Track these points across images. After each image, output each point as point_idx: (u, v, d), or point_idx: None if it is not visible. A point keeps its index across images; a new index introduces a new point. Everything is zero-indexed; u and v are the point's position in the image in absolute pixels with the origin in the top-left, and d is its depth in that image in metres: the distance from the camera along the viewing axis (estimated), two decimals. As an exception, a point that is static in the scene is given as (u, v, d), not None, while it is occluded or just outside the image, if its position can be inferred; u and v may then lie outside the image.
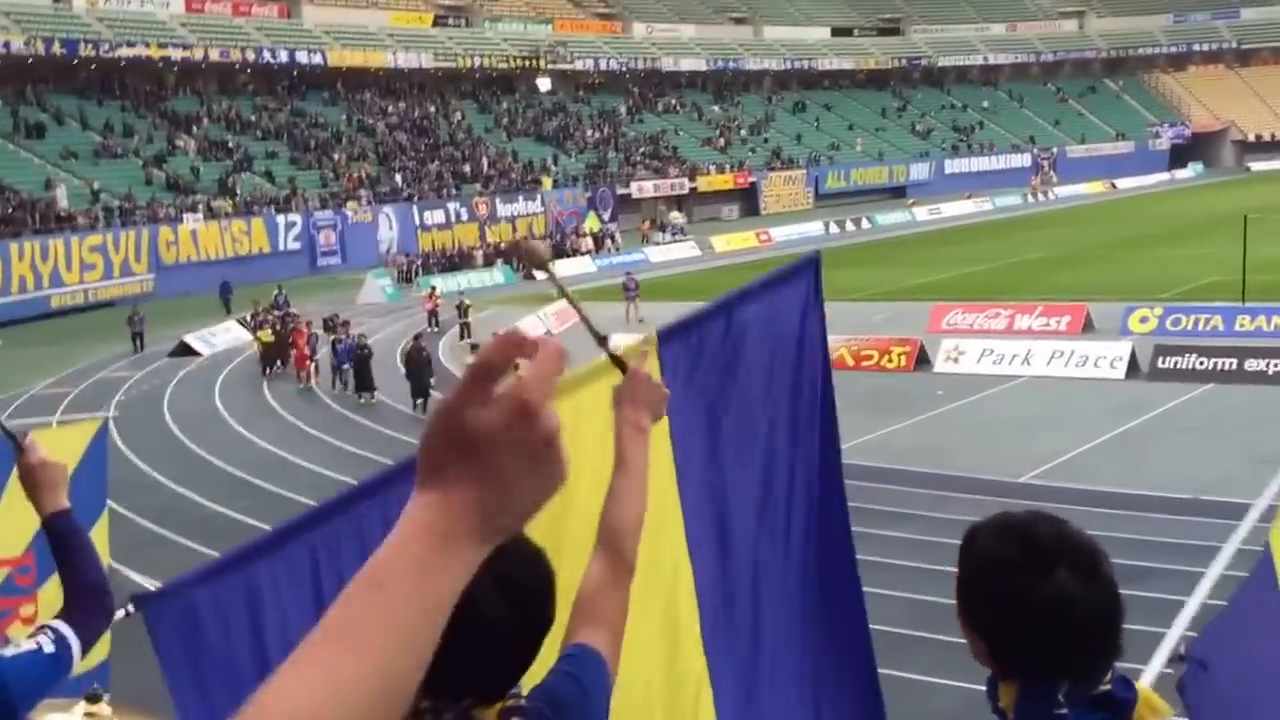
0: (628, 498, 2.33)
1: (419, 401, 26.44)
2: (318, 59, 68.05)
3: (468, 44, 76.20)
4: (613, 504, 2.33)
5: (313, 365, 30.45)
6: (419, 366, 26.67)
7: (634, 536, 2.29)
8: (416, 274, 52.83)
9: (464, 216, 61.55)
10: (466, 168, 66.52)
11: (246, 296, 41.89)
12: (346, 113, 68.31)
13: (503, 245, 58.59)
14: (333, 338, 30.20)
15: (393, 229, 58.56)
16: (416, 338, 28.55)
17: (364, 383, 27.90)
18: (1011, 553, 1.89)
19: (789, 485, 3.50)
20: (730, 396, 3.28)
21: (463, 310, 36.62)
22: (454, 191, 63.23)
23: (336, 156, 63.47)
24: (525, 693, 1.98)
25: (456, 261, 55.64)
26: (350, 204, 58.61)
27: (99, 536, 6.49)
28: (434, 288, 41.81)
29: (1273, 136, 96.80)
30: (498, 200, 63.62)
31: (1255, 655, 3.18)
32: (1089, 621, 1.87)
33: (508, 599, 1.84)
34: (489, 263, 55.67)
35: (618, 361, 2.65)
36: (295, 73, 68.29)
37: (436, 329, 35.32)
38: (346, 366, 28.74)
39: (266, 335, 32.60)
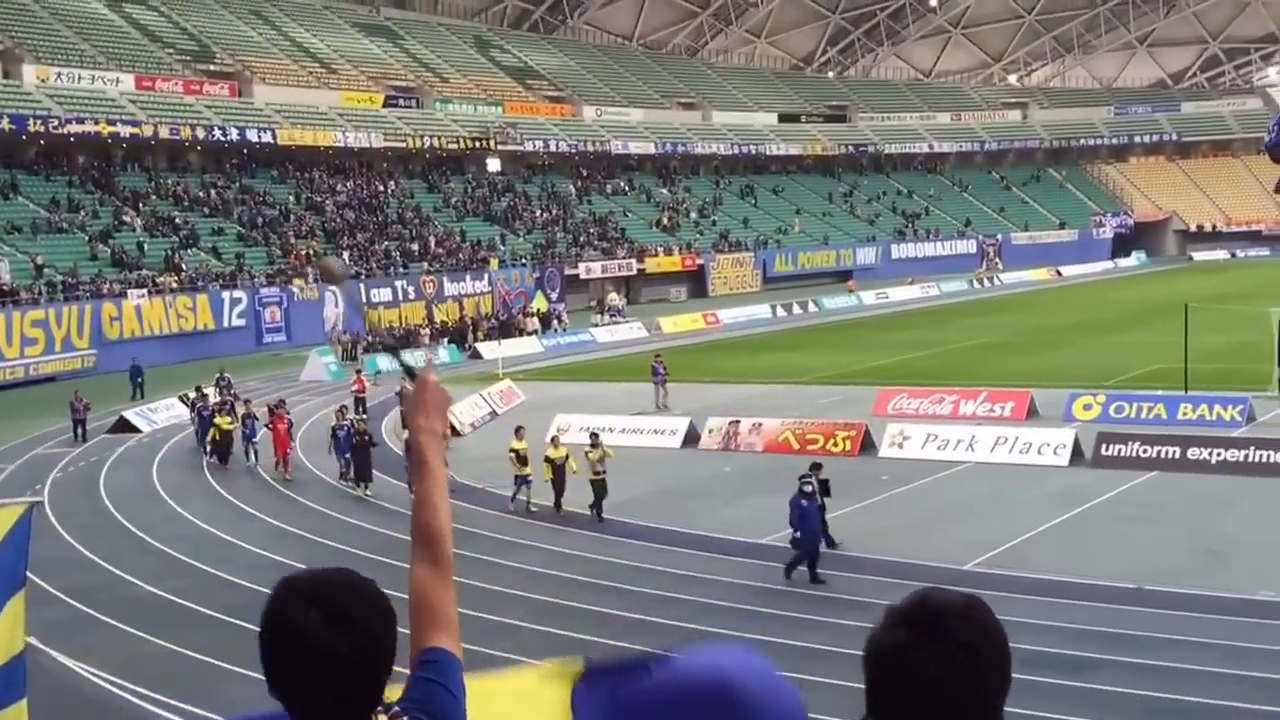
0: (439, 502, 2.48)
1: (362, 484, 25.92)
2: (268, 137, 67.94)
3: (418, 124, 76.44)
4: (425, 509, 2.47)
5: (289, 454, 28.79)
6: (364, 449, 26.19)
7: (449, 537, 2.45)
8: (362, 352, 52.31)
9: (411, 295, 61.28)
10: (414, 246, 66.38)
11: (190, 372, 41.34)
12: (295, 190, 68.15)
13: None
14: (333, 424, 28.44)
15: (338, 306, 58.12)
16: (362, 421, 27.92)
17: (363, 473, 26.16)
18: (892, 606, 1.93)
19: None
20: None
21: (406, 398, 35.46)
22: (401, 270, 63.01)
23: (284, 234, 63.16)
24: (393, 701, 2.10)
25: (403, 340, 55.20)
26: (297, 281, 58.22)
27: (12, 618, 6.13)
28: (359, 371, 40.83)
29: (1214, 227, 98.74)
30: (445, 279, 63.43)
31: None
32: (928, 683, 1.84)
33: (342, 632, 1.98)
34: (434, 340, 55.34)
35: (409, 371, 2.74)
36: (245, 150, 68.14)
37: (364, 414, 32.68)
38: (347, 456, 26.95)
39: (226, 422, 30.25)
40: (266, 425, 29.24)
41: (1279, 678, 13.74)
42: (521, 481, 23.56)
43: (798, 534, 18.35)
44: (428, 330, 57.08)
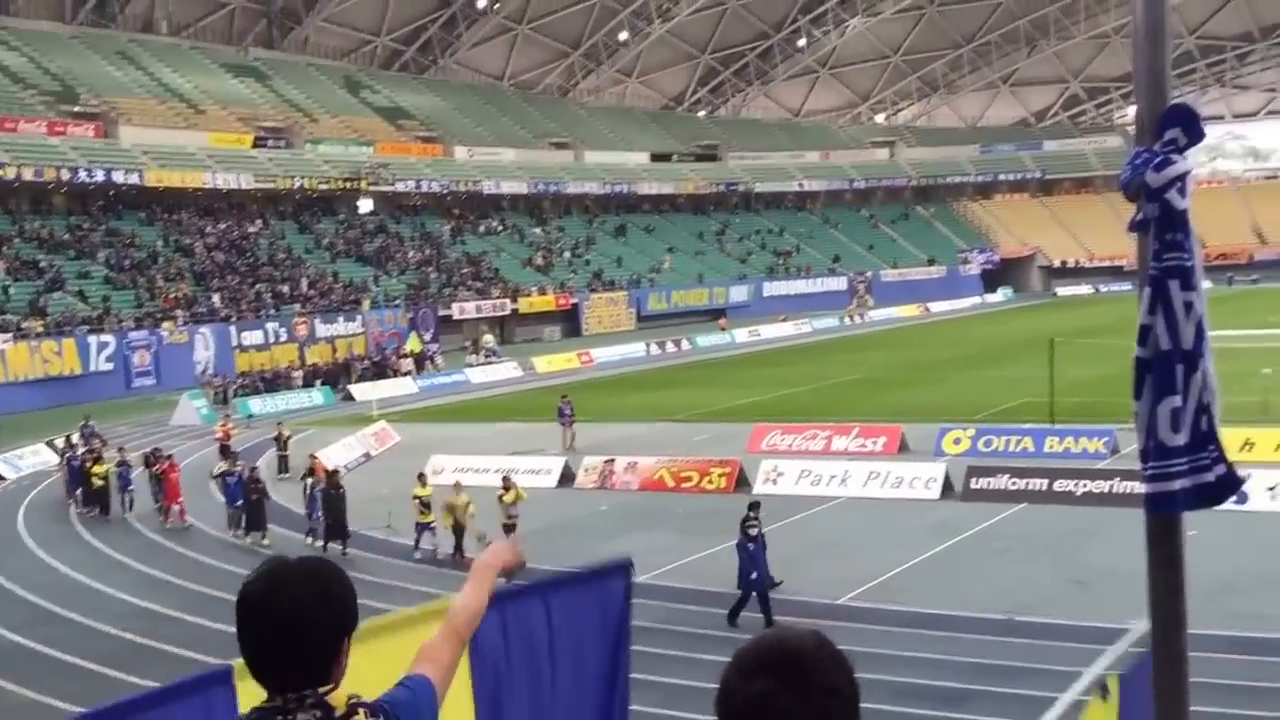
0: (471, 595, 3.04)
1: (255, 534, 24.97)
2: (134, 178, 66.24)
3: (288, 165, 75.26)
4: (465, 596, 3.02)
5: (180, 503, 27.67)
6: (258, 498, 25.28)
7: (467, 616, 2.96)
8: (232, 395, 51.20)
9: (283, 337, 60.13)
10: (286, 288, 65.19)
11: (57, 418, 40.13)
12: (163, 233, 66.49)
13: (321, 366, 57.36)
14: (221, 471, 27.58)
15: (209, 349, 56.89)
16: (253, 469, 27.00)
17: (255, 522, 25.14)
18: (740, 651, 1.93)
19: None
20: (530, 682, 3.57)
21: (281, 441, 33.87)
22: (273, 312, 61.80)
23: (152, 276, 61.58)
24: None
25: (274, 382, 54.17)
26: (166, 324, 56.85)
27: None
28: (226, 417, 39.83)
29: (1076, 263, 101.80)
30: (317, 321, 62.37)
31: None
32: None
33: (326, 604, 2.36)
34: (308, 383, 54.32)
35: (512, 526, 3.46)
36: (111, 192, 66.35)
37: (236, 463, 31.93)
38: (239, 503, 25.89)
39: (101, 470, 29.08)
40: (158, 474, 28.17)
41: (1146, 705, 13.94)
42: (424, 529, 23.08)
43: (753, 575, 18.15)
44: (300, 373, 55.99)
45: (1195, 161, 2.64)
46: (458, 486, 23.58)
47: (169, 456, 29.26)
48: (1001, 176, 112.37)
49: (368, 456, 34.92)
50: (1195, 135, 2.60)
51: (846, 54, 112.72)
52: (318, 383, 54.22)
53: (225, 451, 32.81)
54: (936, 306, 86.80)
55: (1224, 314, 58.06)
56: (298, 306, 63.44)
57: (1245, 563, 19.19)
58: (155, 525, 27.09)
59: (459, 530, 22.61)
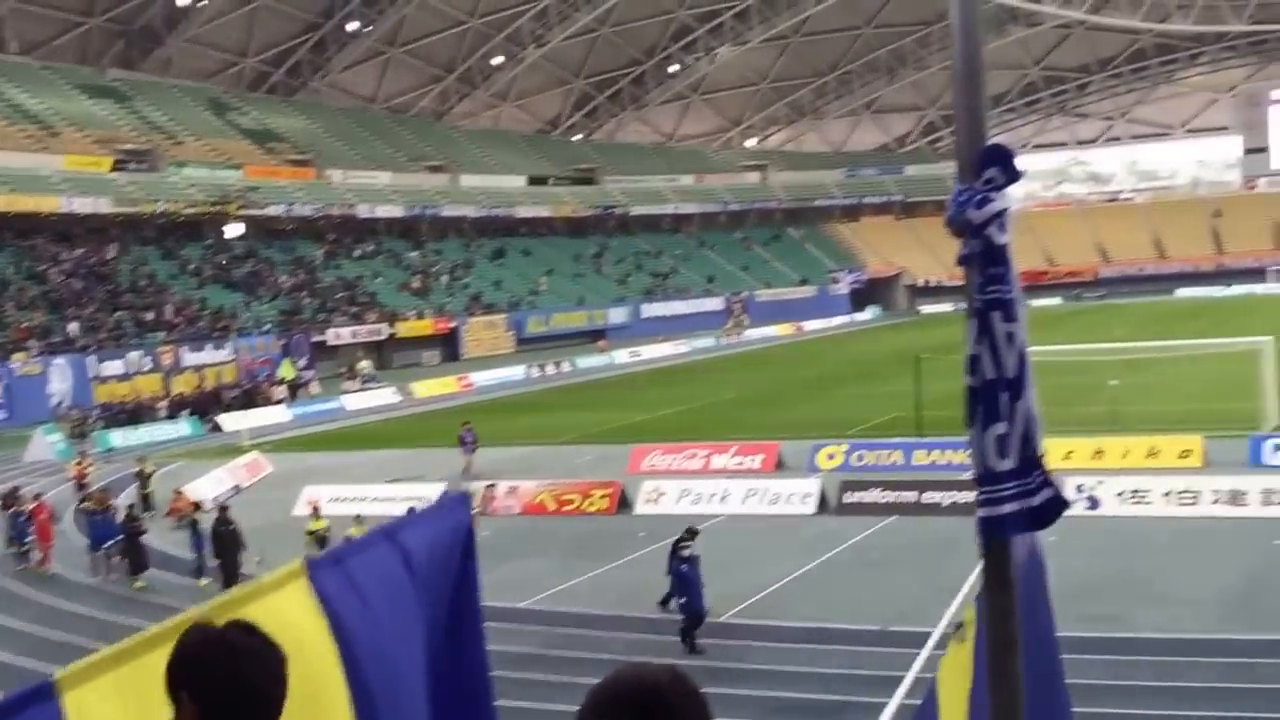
0: None
1: (135, 577, 23.82)
2: (-15, 203, 64.14)
3: (150, 189, 73.49)
4: None
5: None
6: (136, 537, 24.14)
7: None
8: (92, 429, 49.64)
9: (146, 366, 58.57)
10: (149, 315, 63.65)
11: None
12: (15, 259, 64.38)
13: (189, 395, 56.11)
14: (87, 505, 26.01)
15: (65, 381, 54.98)
16: (130, 506, 25.90)
17: (137, 563, 23.90)
18: (597, 691, 1.92)
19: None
20: (385, 626, 3.44)
21: (144, 479, 31.99)
22: (135, 341, 60.25)
23: (2, 305, 59.54)
24: None
25: (136, 414, 52.63)
26: (17, 355, 54.82)
27: None
28: (83, 453, 38.24)
29: (939, 281, 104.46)
30: (184, 349, 60.98)
31: None
32: None
33: (280, 686, 2.27)
34: (174, 415, 53.03)
35: None
36: (-41, 218, 64.10)
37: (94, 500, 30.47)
38: (110, 545, 24.52)
39: None
40: (17, 516, 26.37)
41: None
42: None
43: (683, 600, 18.01)
44: (165, 404, 54.64)
45: (1013, 198, 2.79)
46: (359, 519, 22.68)
47: (37, 495, 28.07)
48: (867, 199, 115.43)
49: (238, 489, 34.20)
50: (1012, 174, 2.67)
51: (717, 80, 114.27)
52: (184, 413, 53.00)
53: (82, 489, 31.10)
54: (809, 325, 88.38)
55: (1073, 329, 60.20)
56: (162, 334, 61.98)
57: (1099, 566, 19.95)
58: (9, 570, 25.70)
59: None
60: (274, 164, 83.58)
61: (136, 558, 23.94)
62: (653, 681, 1.92)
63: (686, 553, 18.42)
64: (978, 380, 2.67)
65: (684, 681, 1.94)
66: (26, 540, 25.91)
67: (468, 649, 3.79)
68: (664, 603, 19.23)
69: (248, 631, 2.35)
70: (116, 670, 2.68)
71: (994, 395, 2.66)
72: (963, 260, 2.67)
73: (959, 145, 2.73)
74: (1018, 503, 2.69)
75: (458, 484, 30.61)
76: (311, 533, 22.63)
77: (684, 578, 18.10)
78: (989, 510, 2.71)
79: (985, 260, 2.63)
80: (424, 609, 3.55)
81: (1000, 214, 2.64)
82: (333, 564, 3.26)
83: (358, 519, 22.77)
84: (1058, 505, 2.71)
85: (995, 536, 2.78)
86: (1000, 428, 2.65)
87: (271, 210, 78.57)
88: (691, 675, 2.01)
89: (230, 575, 22.57)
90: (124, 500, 30.55)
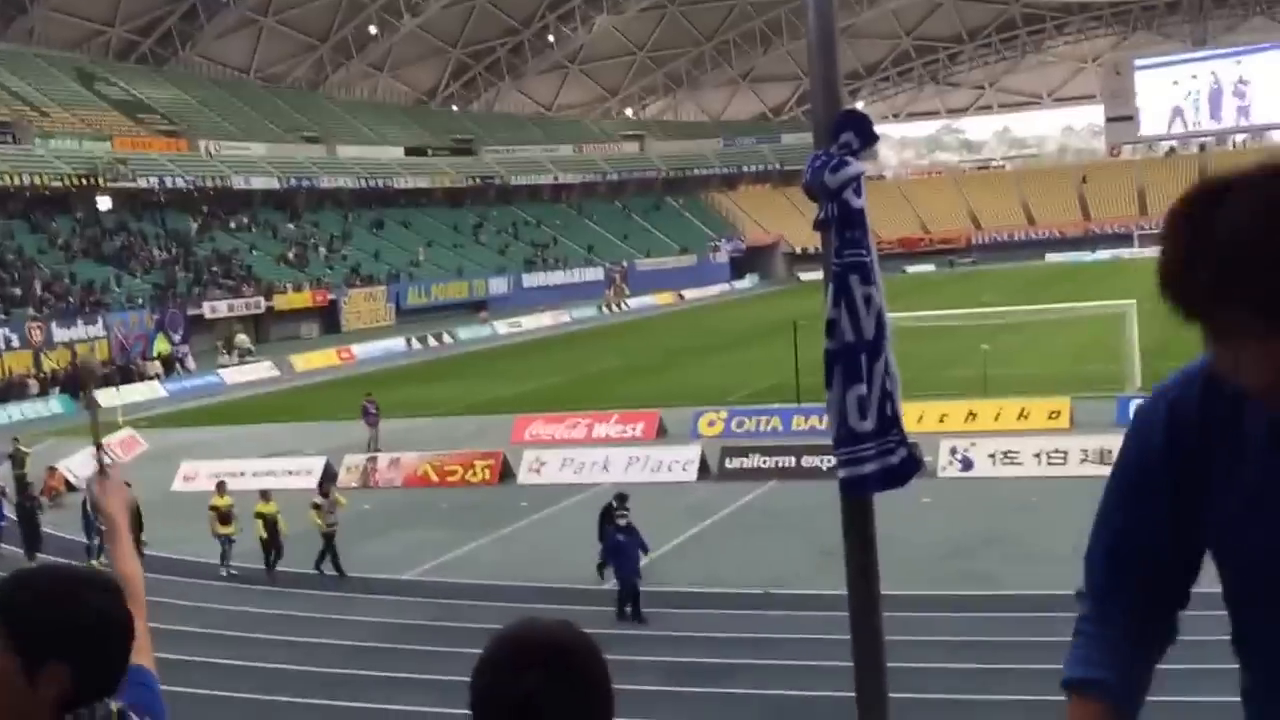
0: (130, 553, 2.89)
1: (33, 555, 22.91)
2: None
3: (15, 161, 71.02)
4: (123, 560, 2.85)
5: None
6: (31, 514, 23.56)
7: (142, 585, 2.79)
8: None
9: (15, 343, 56.83)
10: (17, 290, 61.69)
11: None
12: (-128, 234, 61.98)
13: (61, 372, 54.58)
14: None
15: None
16: (27, 486, 24.95)
17: (33, 542, 23.25)
18: (496, 648, 1.88)
19: None
20: None
21: (18, 460, 30.89)
22: (3, 316, 58.39)
23: None
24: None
25: (6, 392, 51.14)
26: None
27: None
28: None
29: (816, 250, 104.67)
30: (54, 325, 59.25)
31: None
32: None
33: (122, 605, 2.15)
34: (44, 392, 51.58)
35: (102, 463, 3.04)
36: None
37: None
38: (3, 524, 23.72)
39: None
40: None
41: (899, 666, 14.89)
42: (226, 542, 21.61)
43: (613, 569, 17.91)
44: (36, 380, 53.10)
45: (868, 163, 2.82)
46: (266, 494, 22.25)
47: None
48: (745, 168, 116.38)
49: (114, 463, 33.46)
50: (867, 138, 2.70)
51: (595, 50, 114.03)
52: (56, 390, 51.58)
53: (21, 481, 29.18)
54: (689, 294, 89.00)
55: (947, 295, 61.56)
56: (31, 310, 60.16)
57: (972, 525, 20.59)
58: None
59: (273, 543, 21.40)
60: (145, 135, 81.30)
61: (32, 539, 23.22)
62: (554, 636, 1.89)
63: (623, 522, 18.31)
64: (837, 343, 2.71)
65: (584, 636, 1.91)
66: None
67: None
68: (601, 570, 19.20)
69: (86, 568, 2.30)
70: None
71: (854, 358, 2.69)
72: (820, 225, 2.71)
73: (815, 112, 2.78)
74: (877, 462, 2.72)
75: (337, 462, 30.43)
76: (214, 508, 21.88)
77: (618, 547, 18.04)
78: (850, 470, 2.75)
79: (842, 224, 2.67)
80: None
81: (856, 178, 2.67)
82: None
83: (264, 494, 22.36)
84: (914, 464, 2.76)
85: (857, 495, 2.81)
86: (859, 389, 2.69)
87: (143, 183, 76.53)
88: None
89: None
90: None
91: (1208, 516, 1.86)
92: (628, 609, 17.63)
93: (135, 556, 2.88)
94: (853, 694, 2.93)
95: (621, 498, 19.25)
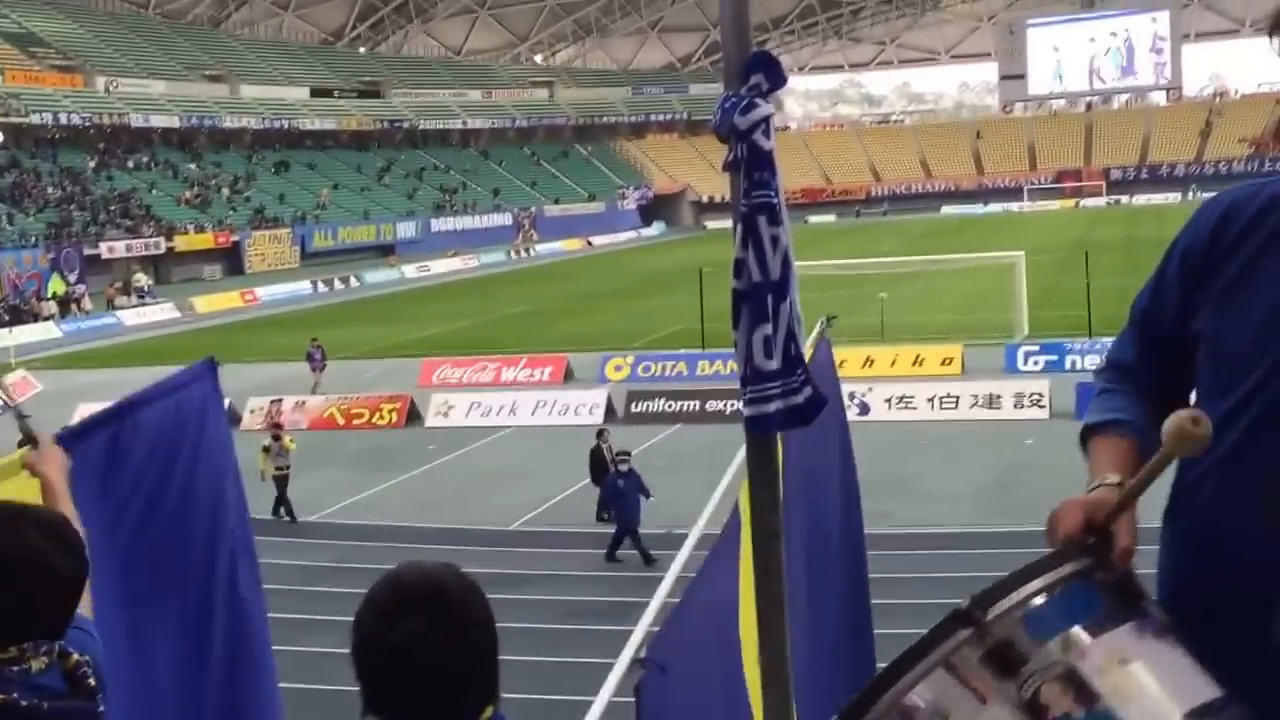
0: (70, 513, 2.81)
1: None
2: None
3: (-98, 93, 68.85)
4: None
5: None
6: None
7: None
8: None
9: (-98, 282, 55.33)
10: (-96, 228, 59.96)
11: None
12: None
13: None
14: None
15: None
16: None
17: None
18: (377, 593, 1.91)
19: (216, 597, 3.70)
20: (140, 497, 3.43)
21: None
22: (-110, 254, 56.74)
23: None
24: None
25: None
26: None
27: None
28: None
29: (723, 198, 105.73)
30: (-56, 263, 57.72)
31: (706, 640, 3.48)
32: (436, 666, 1.86)
33: (68, 555, 2.27)
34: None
35: (30, 437, 3.05)
36: None
37: None
38: None
39: None
40: None
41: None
42: None
43: (608, 514, 18.03)
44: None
45: (776, 105, 2.79)
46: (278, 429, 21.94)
47: None
48: (653, 117, 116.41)
49: (5, 406, 32.88)
50: (777, 80, 2.69)
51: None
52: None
53: None
54: (597, 240, 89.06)
55: (846, 245, 62.43)
56: (-80, 248, 58.50)
57: (869, 467, 20.98)
58: None
59: (281, 482, 20.79)
60: (38, 70, 78.92)
61: None
62: (437, 580, 1.90)
63: (624, 468, 18.45)
64: (744, 284, 2.73)
65: (465, 577, 1.94)
66: None
67: (233, 509, 3.82)
68: (600, 515, 19.39)
69: (45, 511, 2.45)
70: None
71: (760, 298, 2.72)
72: (729, 166, 2.75)
73: (725, 54, 2.79)
74: (782, 401, 2.75)
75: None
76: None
77: (618, 491, 18.20)
78: (755, 409, 2.78)
79: (751, 165, 2.70)
80: (172, 484, 3.48)
81: (765, 120, 2.70)
82: (85, 435, 3.22)
83: (275, 428, 22.11)
84: (818, 403, 2.82)
85: (761, 433, 2.87)
86: (766, 329, 2.72)
87: (35, 119, 74.43)
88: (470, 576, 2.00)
89: None
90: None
91: (1212, 310, 1.99)
92: (618, 552, 17.69)
93: (77, 518, 2.82)
94: None
95: (627, 453, 19.33)
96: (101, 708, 2.35)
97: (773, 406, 2.75)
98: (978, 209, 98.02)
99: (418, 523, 19.97)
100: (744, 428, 2.83)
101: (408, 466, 24.06)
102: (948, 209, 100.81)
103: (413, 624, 1.83)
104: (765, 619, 3.00)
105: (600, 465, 19.94)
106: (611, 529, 18.45)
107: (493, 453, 25.21)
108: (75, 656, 2.32)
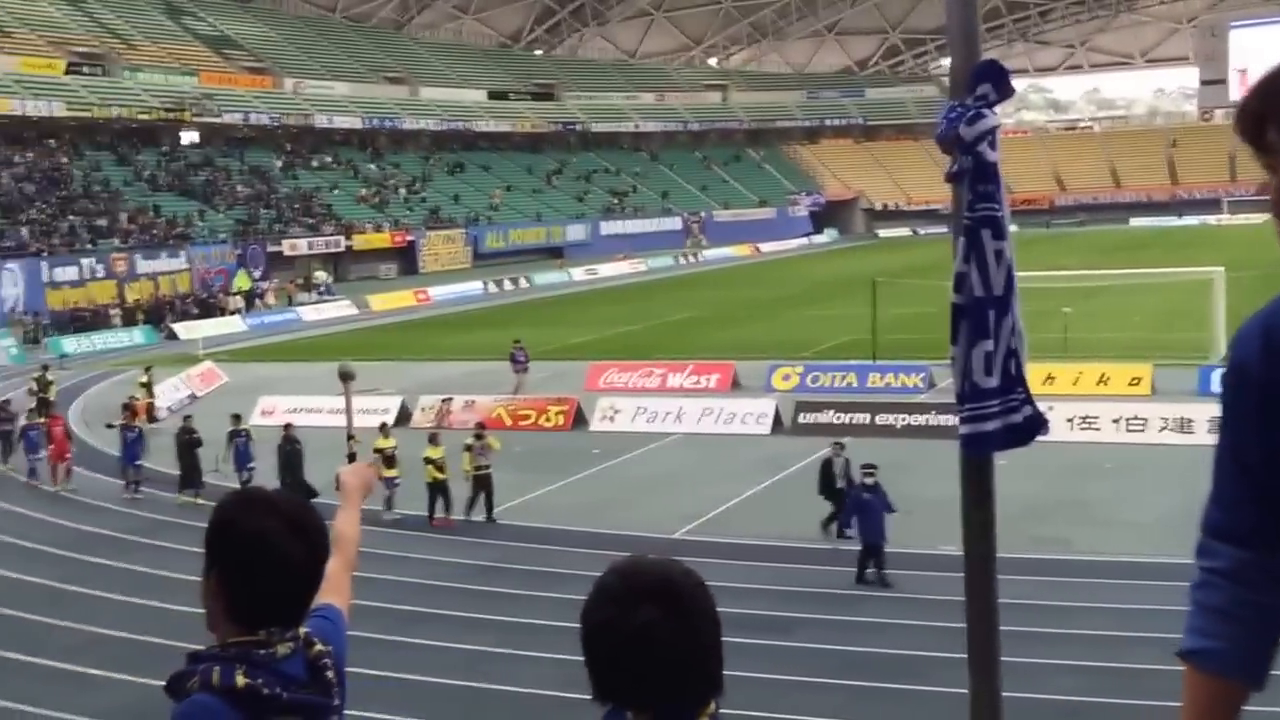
0: (355, 519, 3.12)
1: (190, 491, 22.42)
2: (-67, 103, 62.78)
3: (105, 93, 72.18)
4: (344, 522, 3.06)
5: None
6: (191, 449, 22.79)
7: (357, 546, 3.04)
8: (45, 334, 49.20)
9: (100, 273, 57.89)
10: (103, 222, 62.75)
11: None
12: (-34, 161, 63.20)
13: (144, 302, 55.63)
14: (120, 423, 24.09)
15: (18, 286, 54.32)
16: (187, 418, 24.13)
17: (190, 476, 22.60)
18: (609, 583, 1.92)
19: None
20: None
21: (42, 384, 30.70)
22: (89, 247, 59.45)
23: (-46, 207, 58.53)
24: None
25: (91, 321, 52.19)
26: (-31, 260, 54.11)
27: None
28: (46, 366, 34.84)
29: (896, 206, 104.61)
30: (138, 256, 60.28)
31: None
32: (667, 656, 1.88)
33: (302, 540, 2.31)
34: (129, 322, 52.56)
35: (354, 455, 3.53)
36: (-93, 118, 62.69)
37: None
38: (138, 462, 23.41)
39: None
40: (42, 430, 24.87)
41: (959, 626, 14.80)
42: (390, 485, 20.86)
43: (850, 531, 17.28)
44: (119, 311, 54.14)
45: (1003, 115, 2.77)
46: (384, 429, 21.77)
47: (49, 405, 27.09)
48: (827, 122, 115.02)
49: (193, 397, 34.12)
50: (1004, 91, 2.66)
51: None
52: (140, 320, 52.61)
53: (44, 406, 29.02)
54: (766, 247, 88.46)
55: (1028, 256, 60.45)
56: (116, 241, 61.20)
57: (1047, 490, 20.30)
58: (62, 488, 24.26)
59: (439, 487, 20.54)
60: (230, 71, 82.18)
61: (192, 472, 22.68)
62: (665, 572, 1.94)
63: (870, 481, 17.36)
64: (965, 298, 2.66)
65: (692, 572, 1.96)
66: (40, 455, 24.64)
67: None
68: (826, 525, 18.81)
69: (288, 497, 2.43)
70: None
71: (982, 313, 2.65)
72: (952, 177, 2.66)
73: (953, 62, 2.72)
74: (1000, 420, 2.68)
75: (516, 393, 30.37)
76: (379, 451, 20.57)
77: (862, 505, 17.21)
78: (972, 427, 2.70)
79: (975, 177, 2.63)
80: None
81: (991, 131, 2.62)
82: None
83: (383, 428, 22.09)
84: (1038, 423, 2.72)
85: (978, 453, 2.77)
86: (987, 345, 2.65)
87: (228, 118, 77.42)
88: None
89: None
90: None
91: None
92: (869, 571, 16.81)
93: (358, 523, 3.10)
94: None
95: (870, 465, 17.86)
96: (337, 701, 2.39)
97: (991, 425, 2.70)
98: (1171, 221, 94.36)
99: (580, 527, 19.88)
100: (959, 447, 2.76)
101: (572, 470, 24.03)
102: (1137, 221, 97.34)
103: (646, 612, 1.87)
104: (976, 639, 2.92)
105: (830, 478, 19.25)
106: (854, 547, 17.34)
107: (657, 459, 25.02)
108: (319, 646, 2.38)
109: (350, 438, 3.71)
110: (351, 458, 3.49)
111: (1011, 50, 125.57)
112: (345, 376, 4.18)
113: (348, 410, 4.08)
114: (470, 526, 20.46)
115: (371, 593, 16.88)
